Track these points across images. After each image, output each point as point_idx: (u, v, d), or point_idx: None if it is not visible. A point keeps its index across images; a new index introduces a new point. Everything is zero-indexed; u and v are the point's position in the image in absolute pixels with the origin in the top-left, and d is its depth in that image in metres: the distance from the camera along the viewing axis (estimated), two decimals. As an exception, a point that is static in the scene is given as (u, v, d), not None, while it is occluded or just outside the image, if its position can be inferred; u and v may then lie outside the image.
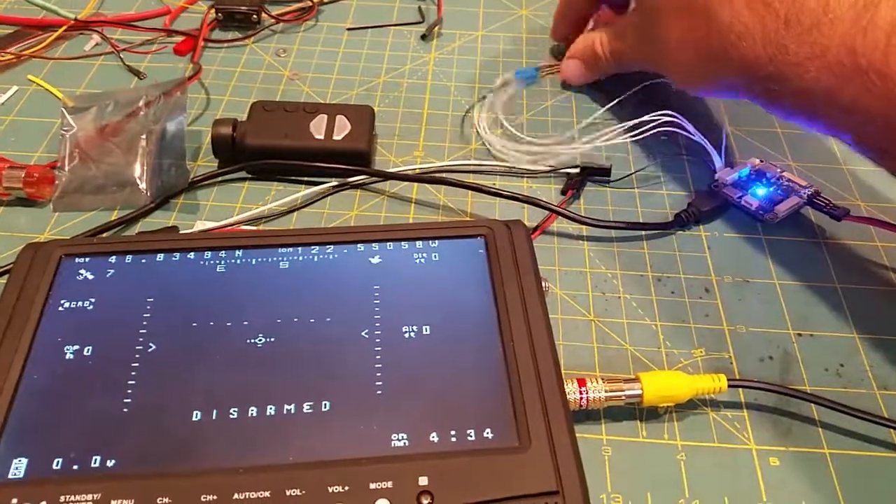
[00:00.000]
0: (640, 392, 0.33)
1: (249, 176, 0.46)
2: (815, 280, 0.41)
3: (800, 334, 0.39)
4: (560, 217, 0.43)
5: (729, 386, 0.34)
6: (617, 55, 0.49)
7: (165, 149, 0.45)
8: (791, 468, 0.33)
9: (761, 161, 0.46)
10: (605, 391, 0.33)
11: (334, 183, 0.46)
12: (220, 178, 0.46)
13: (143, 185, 0.44)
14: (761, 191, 0.44)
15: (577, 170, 0.46)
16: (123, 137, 0.45)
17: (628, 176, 0.47)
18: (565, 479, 0.29)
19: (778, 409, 0.36)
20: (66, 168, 0.44)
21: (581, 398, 0.33)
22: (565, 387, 0.32)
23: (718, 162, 0.45)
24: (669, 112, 0.45)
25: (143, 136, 0.45)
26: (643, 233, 0.43)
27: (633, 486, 0.33)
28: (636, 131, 0.45)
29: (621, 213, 0.45)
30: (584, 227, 0.43)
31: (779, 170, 0.45)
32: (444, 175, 0.46)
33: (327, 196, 0.45)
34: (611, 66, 0.50)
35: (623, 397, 0.34)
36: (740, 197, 0.44)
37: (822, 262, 0.42)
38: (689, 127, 0.45)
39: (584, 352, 0.38)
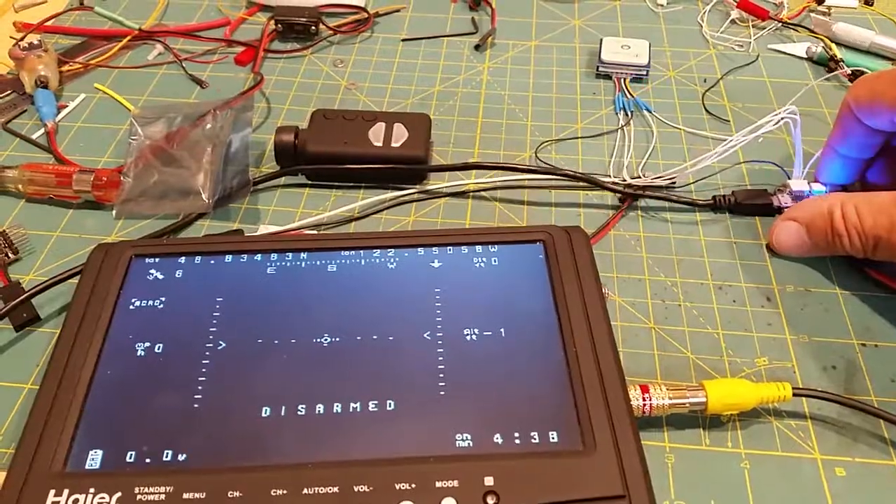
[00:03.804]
0: (704, 400, 0.33)
1: (309, 182, 0.47)
2: (877, 290, 0.41)
3: (864, 344, 0.38)
4: (618, 226, 0.44)
5: (793, 395, 0.34)
6: (876, 239, 0.37)
7: (230, 160, 0.46)
8: (858, 479, 0.33)
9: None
10: (669, 398, 0.33)
11: (390, 195, 0.46)
12: (278, 183, 0.46)
13: (205, 195, 0.44)
14: None
15: (637, 178, 0.46)
16: (189, 147, 0.46)
17: (685, 185, 0.46)
18: (631, 483, 0.29)
19: (842, 420, 0.35)
20: (131, 175, 0.46)
21: (644, 405, 0.33)
22: (629, 393, 0.32)
23: (798, 168, 0.44)
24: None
25: (209, 148, 0.46)
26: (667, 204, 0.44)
27: (697, 494, 0.32)
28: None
29: (680, 219, 0.45)
30: (642, 235, 0.43)
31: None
32: (499, 185, 0.47)
33: (385, 209, 0.46)
34: (855, 249, 0.38)
35: (687, 405, 0.33)
36: (786, 205, 0.44)
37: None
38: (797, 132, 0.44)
39: (645, 359, 0.37)
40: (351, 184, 0.47)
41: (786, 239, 0.42)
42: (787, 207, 0.44)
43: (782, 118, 0.42)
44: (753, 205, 0.44)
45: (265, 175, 0.47)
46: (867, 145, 0.42)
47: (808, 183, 0.44)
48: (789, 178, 0.45)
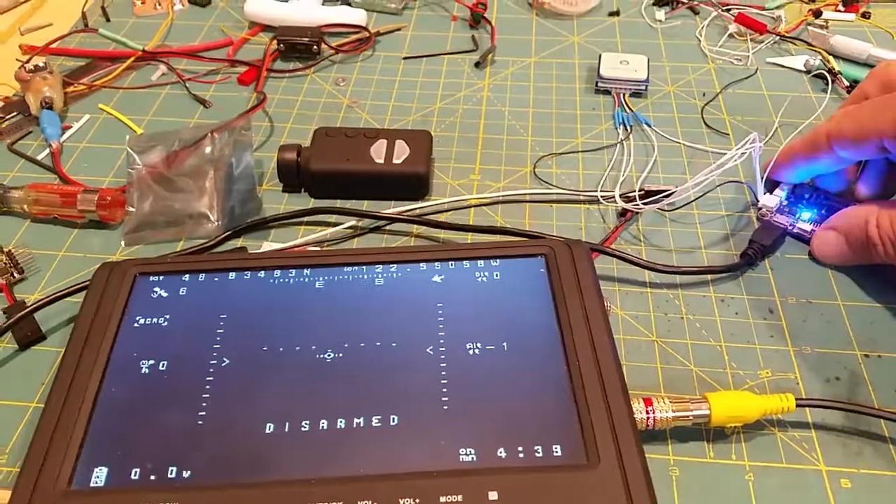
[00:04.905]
0: (707, 412, 0.33)
1: (313, 199, 0.48)
2: (879, 300, 0.41)
3: (867, 355, 0.38)
4: (619, 237, 0.44)
5: (797, 406, 0.34)
6: None
7: (235, 182, 0.46)
8: (864, 490, 0.33)
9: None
10: (673, 411, 0.33)
11: (393, 210, 0.46)
12: (289, 221, 0.46)
13: (213, 217, 0.45)
14: (806, 214, 0.44)
15: (640, 192, 0.46)
16: (191, 172, 0.46)
17: (688, 204, 0.46)
18: (636, 496, 0.29)
19: (847, 430, 0.35)
20: (135, 206, 0.46)
21: (648, 418, 0.33)
22: (632, 406, 0.32)
23: (760, 191, 0.45)
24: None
25: (211, 171, 0.46)
26: (709, 276, 0.42)
27: (702, 507, 0.32)
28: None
29: (680, 234, 0.45)
30: (643, 248, 0.43)
31: (810, 185, 0.45)
32: (501, 200, 0.47)
33: (388, 224, 0.46)
34: (889, 258, 0.38)
35: (690, 417, 0.33)
36: (792, 225, 0.44)
37: (885, 281, 0.41)
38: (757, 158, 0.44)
39: (648, 372, 0.38)
40: (354, 200, 0.47)
41: (826, 248, 0.42)
42: (793, 227, 0.44)
43: (748, 148, 0.42)
44: (776, 241, 0.43)
45: (274, 216, 0.46)
46: (832, 168, 0.43)
47: (775, 196, 0.45)
48: (756, 198, 0.45)
